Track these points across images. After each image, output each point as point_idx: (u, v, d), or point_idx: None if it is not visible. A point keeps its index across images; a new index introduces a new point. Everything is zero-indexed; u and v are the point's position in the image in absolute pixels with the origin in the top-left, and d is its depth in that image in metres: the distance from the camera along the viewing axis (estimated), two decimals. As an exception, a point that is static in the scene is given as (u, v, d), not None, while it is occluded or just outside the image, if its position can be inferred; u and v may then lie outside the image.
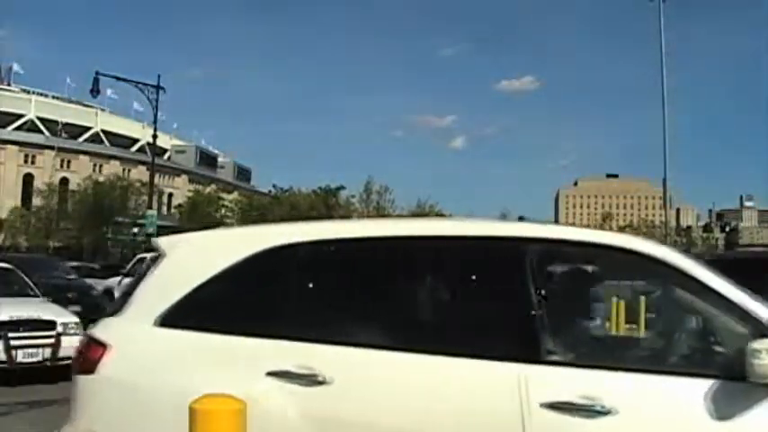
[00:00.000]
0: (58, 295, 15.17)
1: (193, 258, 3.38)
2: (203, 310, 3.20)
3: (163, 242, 3.53)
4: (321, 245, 3.26)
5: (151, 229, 35.27)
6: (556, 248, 3.09)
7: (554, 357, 2.80)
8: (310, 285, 3.25)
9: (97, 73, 30.65)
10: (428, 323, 3.12)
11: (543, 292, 2.91)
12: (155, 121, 32.14)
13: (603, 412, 2.64)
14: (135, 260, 20.83)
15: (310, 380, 2.88)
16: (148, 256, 21.60)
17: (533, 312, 2.87)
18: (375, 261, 3.21)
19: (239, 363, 3.00)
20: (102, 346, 3.19)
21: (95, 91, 31.23)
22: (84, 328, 14.91)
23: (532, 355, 2.78)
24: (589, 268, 3.26)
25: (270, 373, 2.92)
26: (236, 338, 3.05)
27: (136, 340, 3.20)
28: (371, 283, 3.18)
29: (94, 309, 16.64)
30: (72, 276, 18.34)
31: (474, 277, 3.14)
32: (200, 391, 2.78)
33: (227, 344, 3.05)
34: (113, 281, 19.33)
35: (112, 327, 3.34)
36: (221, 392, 2.78)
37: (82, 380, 3.23)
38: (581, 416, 2.66)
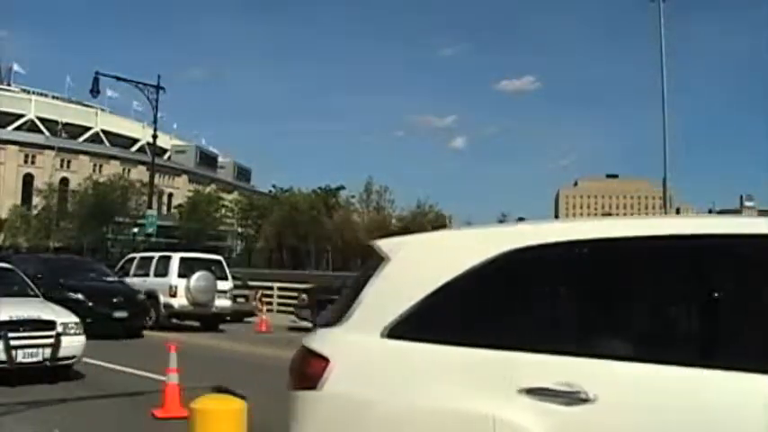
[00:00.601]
0: (103, 299, 14.64)
1: (424, 262, 3.05)
2: (438, 318, 2.90)
3: (384, 245, 3.18)
4: (578, 245, 2.89)
5: (151, 229, 35.27)
6: None
7: None
8: (565, 291, 2.93)
9: (97, 73, 30.59)
10: (702, 333, 2.73)
11: None
12: (155, 121, 32.09)
13: None
14: (124, 260, 20.72)
15: (572, 398, 2.57)
16: (138, 255, 21.42)
17: None
18: (638, 264, 2.85)
19: (486, 378, 2.70)
20: (324, 359, 2.94)
21: (95, 91, 31.15)
22: (132, 335, 14.58)
23: None
24: None
25: (524, 390, 2.62)
26: (480, 351, 2.74)
27: (362, 353, 2.95)
28: (634, 288, 2.85)
29: (140, 314, 15.82)
30: (112, 279, 17.06)
31: (751, 280, 2.77)
32: (442, 410, 2.63)
33: (470, 357, 2.75)
34: None
35: (334, 339, 3.06)
36: (466, 410, 2.61)
37: (302, 396, 2.99)
38: None
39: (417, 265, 3.04)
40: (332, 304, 15.37)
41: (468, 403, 2.63)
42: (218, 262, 19.75)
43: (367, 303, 3.02)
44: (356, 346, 2.97)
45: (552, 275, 2.93)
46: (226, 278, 19.14)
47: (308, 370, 2.97)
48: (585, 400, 2.56)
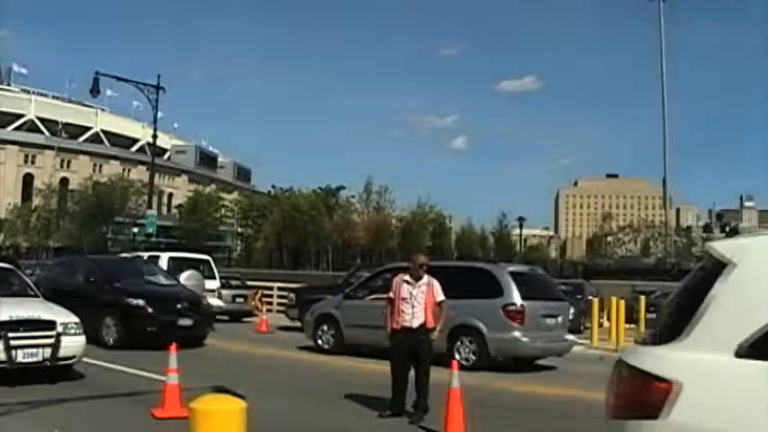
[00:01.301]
0: (166, 305, 13.25)
1: None
2: None
3: (725, 248, 2.77)
4: None
5: (151, 229, 35.25)
6: None
7: None
8: None
9: (97, 73, 30.54)
10: None
11: None
12: (155, 121, 32.03)
13: None
14: None
15: None
16: (128, 255, 21.33)
17: None
18: None
19: None
20: (666, 383, 2.60)
21: (95, 91, 31.13)
22: (196, 345, 13.18)
23: None
24: None
25: None
26: None
27: (715, 376, 2.58)
28: None
29: (206, 322, 14.30)
30: (171, 282, 15.21)
31: None
32: None
33: None
34: None
35: (674, 359, 2.67)
36: None
37: (638, 426, 2.66)
38: None
39: None
40: (316, 303, 15.30)
41: None
42: (207, 261, 20.12)
43: (711, 317, 2.64)
44: (705, 368, 2.60)
45: None
46: (214, 277, 19.50)
47: (647, 396, 2.64)
48: None
